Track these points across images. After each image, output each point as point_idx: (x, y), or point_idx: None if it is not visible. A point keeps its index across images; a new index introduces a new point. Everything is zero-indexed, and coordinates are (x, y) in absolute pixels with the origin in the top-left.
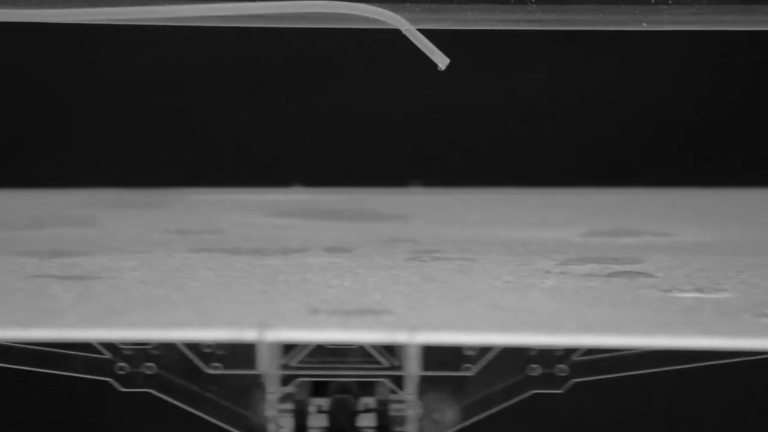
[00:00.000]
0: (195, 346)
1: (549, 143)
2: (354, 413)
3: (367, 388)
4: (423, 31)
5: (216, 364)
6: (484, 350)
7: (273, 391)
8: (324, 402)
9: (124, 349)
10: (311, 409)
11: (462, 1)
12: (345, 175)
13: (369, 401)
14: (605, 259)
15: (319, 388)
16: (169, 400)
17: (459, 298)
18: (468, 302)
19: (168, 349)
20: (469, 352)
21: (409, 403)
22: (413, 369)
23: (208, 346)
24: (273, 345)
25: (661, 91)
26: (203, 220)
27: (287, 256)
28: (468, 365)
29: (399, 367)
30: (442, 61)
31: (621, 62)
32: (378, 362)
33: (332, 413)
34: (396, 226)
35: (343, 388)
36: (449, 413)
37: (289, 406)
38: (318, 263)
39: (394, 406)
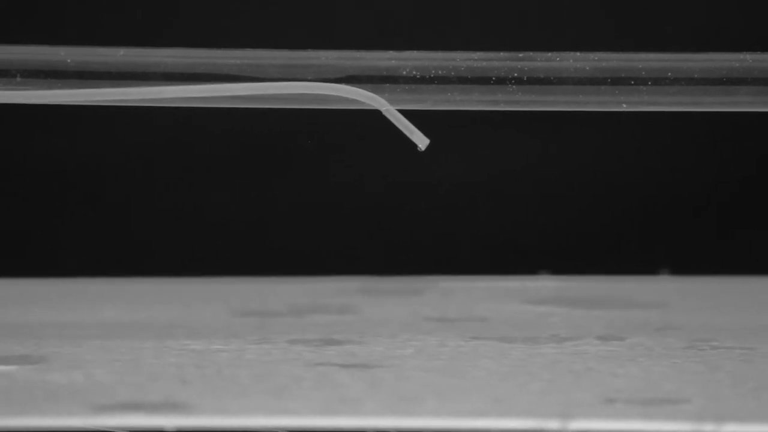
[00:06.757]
0: None
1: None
2: None
3: None
4: (403, 112)
5: None
6: None
7: None
8: None
9: None
10: None
11: (442, 82)
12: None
13: None
14: None
15: None
16: None
17: (753, 387)
18: (765, 392)
19: None
20: None
21: None
22: None
23: None
24: None
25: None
26: (462, 307)
27: (561, 344)
28: None
29: None
30: (421, 141)
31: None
32: None
33: None
34: (659, 314)
35: None
36: None
37: None
38: (595, 351)
39: None
